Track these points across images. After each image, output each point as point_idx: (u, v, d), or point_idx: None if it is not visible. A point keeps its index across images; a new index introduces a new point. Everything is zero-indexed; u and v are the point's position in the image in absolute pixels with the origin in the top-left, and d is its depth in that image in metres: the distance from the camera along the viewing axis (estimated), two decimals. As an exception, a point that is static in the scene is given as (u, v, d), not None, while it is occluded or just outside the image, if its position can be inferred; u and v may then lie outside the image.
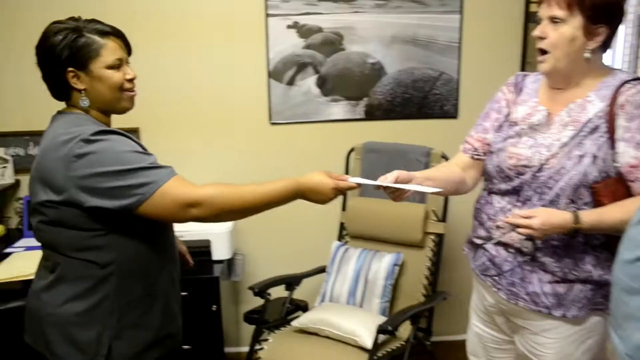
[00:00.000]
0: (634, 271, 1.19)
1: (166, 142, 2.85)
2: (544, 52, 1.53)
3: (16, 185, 2.87)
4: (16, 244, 2.63)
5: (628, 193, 1.47)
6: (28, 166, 2.83)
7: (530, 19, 2.76)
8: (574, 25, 1.47)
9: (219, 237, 2.50)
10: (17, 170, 2.84)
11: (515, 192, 1.60)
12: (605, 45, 1.53)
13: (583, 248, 1.53)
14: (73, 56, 1.38)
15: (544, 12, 1.51)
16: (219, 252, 2.52)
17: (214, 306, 2.41)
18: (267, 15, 2.73)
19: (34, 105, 2.81)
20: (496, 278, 1.65)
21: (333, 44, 2.78)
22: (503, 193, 1.63)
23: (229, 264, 2.67)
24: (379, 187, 1.53)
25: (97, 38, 1.41)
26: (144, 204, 1.34)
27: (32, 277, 2.27)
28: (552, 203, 1.52)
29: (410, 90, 2.84)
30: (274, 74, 2.80)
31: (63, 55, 1.38)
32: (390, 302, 2.53)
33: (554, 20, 1.49)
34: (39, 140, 2.77)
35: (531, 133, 1.59)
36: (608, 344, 1.49)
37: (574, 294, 1.54)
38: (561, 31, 1.48)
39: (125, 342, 1.46)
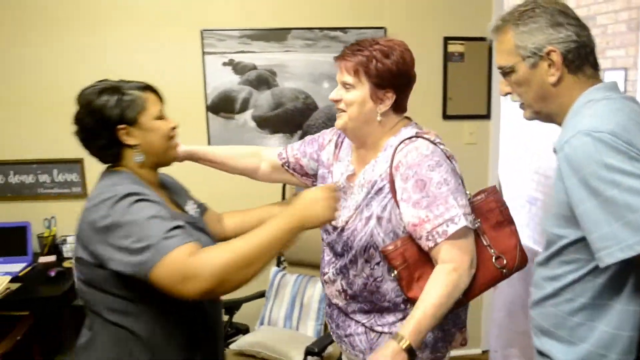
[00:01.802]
0: (541, 310, 1.33)
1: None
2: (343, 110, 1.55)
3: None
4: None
5: (419, 250, 1.46)
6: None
7: (449, 58, 2.99)
8: (363, 90, 1.50)
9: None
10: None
11: (332, 246, 1.62)
12: (398, 107, 1.56)
13: (387, 306, 1.55)
14: (123, 113, 1.38)
15: (338, 77, 1.55)
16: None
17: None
18: (204, 53, 2.87)
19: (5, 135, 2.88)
20: (335, 330, 1.71)
21: (267, 80, 2.93)
22: (326, 245, 1.67)
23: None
24: None
25: (139, 93, 1.42)
26: (150, 275, 1.20)
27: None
28: (352, 262, 1.55)
29: (341, 124, 3.00)
30: (212, 108, 2.93)
31: (114, 114, 1.37)
32: (325, 324, 2.65)
33: (345, 85, 1.52)
34: (8, 169, 2.78)
35: (344, 193, 1.59)
36: None
37: (382, 341, 1.55)
38: (352, 95, 1.51)
39: None
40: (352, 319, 1.61)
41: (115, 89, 1.40)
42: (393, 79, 1.51)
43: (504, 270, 1.49)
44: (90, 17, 2.80)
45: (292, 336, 2.56)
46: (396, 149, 1.49)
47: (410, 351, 1.33)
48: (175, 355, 1.38)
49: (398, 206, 1.47)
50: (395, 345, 1.33)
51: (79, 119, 1.41)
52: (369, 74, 1.49)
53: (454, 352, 1.73)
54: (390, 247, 1.46)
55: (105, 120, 1.37)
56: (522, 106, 1.35)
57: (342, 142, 1.71)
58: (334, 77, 1.57)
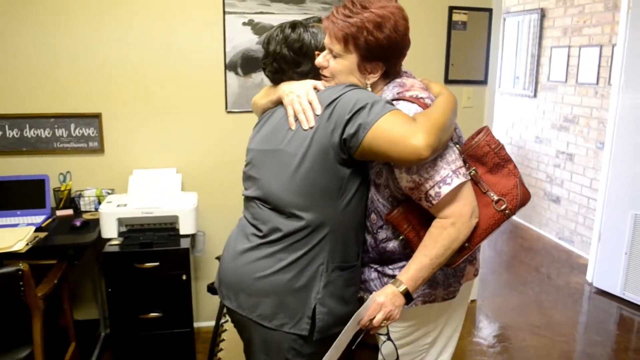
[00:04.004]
0: None
1: (126, 127, 3.01)
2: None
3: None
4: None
5: (421, 210, 1.47)
6: (4, 149, 2.90)
7: (453, 27, 3.21)
8: (351, 60, 1.47)
9: (186, 213, 2.67)
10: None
11: None
12: (389, 74, 1.54)
13: (398, 257, 1.57)
14: (315, 40, 1.59)
15: (326, 42, 1.51)
16: (186, 227, 2.68)
17: (184, 275, 2.61)
18: (225, 12, 2.98)
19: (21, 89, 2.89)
20: None
21: (285, 41, 3.06)
22: None
23: (192, 240, 2.86)
24: None
25: (318, 24, 1.64)
26: (362, 144, 1.39)
27: (6, 250, 2.34)
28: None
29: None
30: (230, 66, 3.04)
31: (310, 42, 1.58)
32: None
33: (332, 52, 1.50)
34: (24, 123, 2.83)
35: None
36: None
37: None
38: (339, 64, 1.49)
39: (327, 309, 1.51)
40: (364, 264, 1.63)
41: (300, 24, 1.63)
42: (384, 53, 1.47)
43: (507, 211, 1.46)
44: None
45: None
46: None
47: (407, 295, 1.42)
48: (350, 245, 1.56)
49: (393, 172, 1.46)
50: (394, 289, 1.42)
51: (277, 54, 1.61)
52: (358, 45, 1.45)
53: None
54: (393, 213, 1.48)
55: (305, 49, 1.59)
56: None
57: None
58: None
